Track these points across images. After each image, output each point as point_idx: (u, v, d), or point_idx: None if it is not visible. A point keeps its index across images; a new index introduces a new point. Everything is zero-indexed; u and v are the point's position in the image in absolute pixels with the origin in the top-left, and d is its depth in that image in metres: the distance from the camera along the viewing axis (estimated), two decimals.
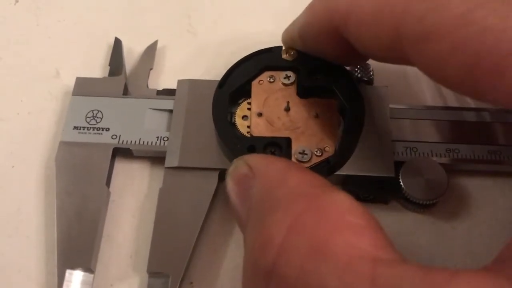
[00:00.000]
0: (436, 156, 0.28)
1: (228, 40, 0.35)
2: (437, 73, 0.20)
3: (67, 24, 0.37)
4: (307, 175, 0.21)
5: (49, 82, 0.34)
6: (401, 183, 0.27)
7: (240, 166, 0.22)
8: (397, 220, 0.28)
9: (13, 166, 0.31)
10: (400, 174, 0.27)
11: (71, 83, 0.32)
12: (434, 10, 0.19)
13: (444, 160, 0.28)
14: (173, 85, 0.31)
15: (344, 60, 0.28)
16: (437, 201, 0.27)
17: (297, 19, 0.27)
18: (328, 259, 0.17)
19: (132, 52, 0.35)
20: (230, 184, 0.23)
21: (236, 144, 0.27)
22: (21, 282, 0.28)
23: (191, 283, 0.27)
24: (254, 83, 0.29)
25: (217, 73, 0.29)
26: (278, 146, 0.27)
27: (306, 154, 0.26)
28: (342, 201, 0.18)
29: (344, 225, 0.18)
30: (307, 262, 0.17)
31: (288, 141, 0.27)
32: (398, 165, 0.28)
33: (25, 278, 0.28)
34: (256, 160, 0.22)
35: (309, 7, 0.26)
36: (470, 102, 0.31)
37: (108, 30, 0.35)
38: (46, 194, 0.30)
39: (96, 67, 0.34)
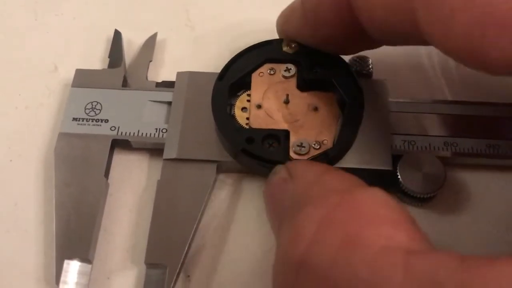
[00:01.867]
0: (435, 149, 0.28)
1: (226, 34, 0.35)
2: (443, 35, 0.19)
3: (65, 18, 0.37)
4: (342, 174, 0.21)
5: (47, 77, 0.34)
6: (399, 176, 0.27)
7: (279, 171, 0.23)
8: None
9: (10, 160, 0.31)
10: (398, 167, 0.27)
11: (69, 77, 0.32)
12: None
13: (442, 153, 0.28)
14: (173, 78, 0.31)
15: (342, 40, 0.26)
16: (435, 194, 0.27)
17: None
18: (360, 249, 0.17)
19: (132, 44, 0.35)
20: (267, 188, 0.23)
21: (234, 136, 0.27)
22: (19, 276, 0.28)
23: (188, 276, 0.27)
24: (254, 75, 0.29)
25: (216, 67, 0.29)
26: (276, 138, 0.27)
27: (304, 147, 0.26)
28: (376, 195, 0.19)
29: (378, 219, 0.18)
30: (339, 254, 0.17)
31: (286, 133, 0.27)
32: (396, 158, 0.28)
33: (23, 272, 0.28)
34: (296, 164, 0.23)
35: None
36: (468, 96, 0.31)
37: (106, 25, 0.35)
38: (44, 188, 0.30)
39: (94, 61, 0.34)
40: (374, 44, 0.26)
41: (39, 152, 0.31)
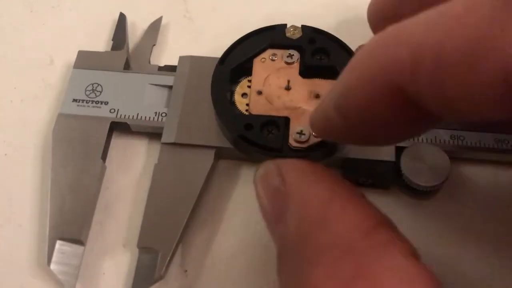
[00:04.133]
0: (441, 142, 0.27)
1: (226, 25, 0.34)
2: None
3: (61, 9, 0.36)
4: (353, 212, 0.18)
5: (43, 70, 0.33)
6: (402, 168, 0.26)
7: (271, 174, 0.20)
8: (397, 207, 0.28)
9: (5, 154, 0.31)
10: (401, 159, 0.26)
11: (65, 70, 0.32)
12: None
13: (448, 147, 0.27)
14: (176, 62, 0.31)
15: (406, 131, 0.19)
16: (439, 188, 0.26)
17: (330, 92, 0.19)
18: None
19: (136, 29, 0.34)
20: (261, 194, 0.20)
21: (233, 121, 0.26)
22: (12, 271, 0.27)
23: (186, 271, 0.27)
24: (256, 60, 0.28)
25: (218, 54, 0.29)
26: (276, 125, 0.26)
27: (304, 134, 0.26)
28: (399, 267, 0.16)
29: None
30: None
31: (286, 120, 0.26)
32: (400, 150, 0.27)
33: (16, 268, 0.27)
34: (291, 173, 0.20)
35: (350, 69, 0.18)
36: None
37: (102, 17, 0.35)
38: (39, 183, 0.29)
39: None
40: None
41: (35, 145, 0.31)
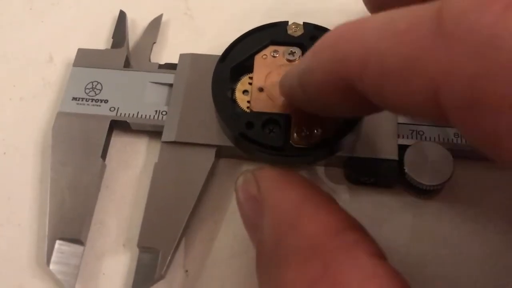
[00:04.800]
0: (444, 140, 0.27)
1: (227, 22, 0.34)
2: (492, 150, 0.15)
3: (61, 7, 0.36)
4: (322, 215, 0.18)
5: (42, 68, 0.33)
6: (405, 167, 0.26)
7: (249, 182, 0.21)
8: (400, 206, 0.27)
9: (4, 153, 0.30)
10: (404, 158, 0.26)
11: (65, 68, 0.32)
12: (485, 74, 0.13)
13: (452, 145, 0.27)
14: (176, 60, 0.30)
15: (353, 112, 0.22)
16: (442, 187, 0.26)
17: (298, 64, 0.22)
18: None
19: (136, 27, 0.34)
20: (241, 202, 0.22)
21: (233, 120, 0.26)
22: (11, 271, 0.27)
23: (186, 271, 0.27)
24: (257, 57, 0.28)
25: (219, 51, 0.28)
26: (277, 124, 0.26)
27: (306, 133, 0.25)
28: (363, 266, 0.17)
29: None
30: None
31: (287, 118, 0.26)
32: (403, 148, 0.26)
33: (16, 267, 0.27)
34: (265, 181, 0.21)
35: (314, 52, 0.20)
36: None
37: (102, 14, 0.35)
38: (38, 182, 0.29)
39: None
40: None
41: (34, 144, 0.30)
